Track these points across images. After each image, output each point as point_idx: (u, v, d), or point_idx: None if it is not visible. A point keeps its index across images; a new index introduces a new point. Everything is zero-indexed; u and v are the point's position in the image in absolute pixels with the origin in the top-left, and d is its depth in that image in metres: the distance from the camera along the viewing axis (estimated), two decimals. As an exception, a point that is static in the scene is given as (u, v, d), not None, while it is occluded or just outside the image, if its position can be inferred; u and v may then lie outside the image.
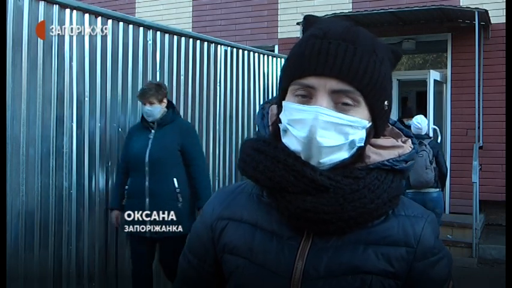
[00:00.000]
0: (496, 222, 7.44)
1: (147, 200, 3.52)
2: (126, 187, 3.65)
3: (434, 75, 7.67)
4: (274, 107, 1.01)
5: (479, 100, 7.12)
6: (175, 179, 3.58)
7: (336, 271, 0.91)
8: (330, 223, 0.90)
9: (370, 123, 0.92)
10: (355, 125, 0.89)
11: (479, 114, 7.13)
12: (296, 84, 0.90)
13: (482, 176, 6.86)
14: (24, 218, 3.24)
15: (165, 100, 3.73)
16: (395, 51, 0.98)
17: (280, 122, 0.93)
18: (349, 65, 0.87)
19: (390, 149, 0.96)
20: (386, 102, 0.93)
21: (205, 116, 5.14)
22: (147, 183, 3.54)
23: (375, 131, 0.94)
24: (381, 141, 0.97)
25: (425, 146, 5.41)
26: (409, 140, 1.00)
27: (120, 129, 4.07)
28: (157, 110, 3.64)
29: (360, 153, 0.92)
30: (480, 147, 7.02)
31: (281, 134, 0.94)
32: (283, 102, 0.93)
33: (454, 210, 7.50)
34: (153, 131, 3.66)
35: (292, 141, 0.91)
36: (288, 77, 0.92)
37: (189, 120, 4.89)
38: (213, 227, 1.03)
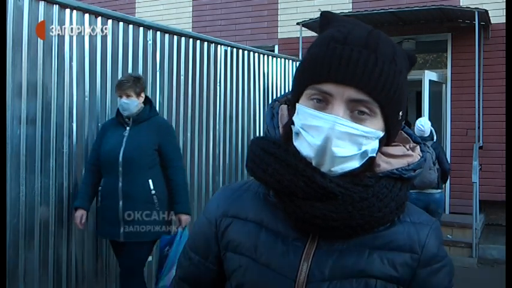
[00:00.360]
0: (496, 222, 7.44)
1: (121, 202, 3.31)
2: (100, 188, 3.46)
3: (429, 75, 7.68)
4: (284, 108, 1.00)
5: (479, 100, 7.13)
6: (150, 181, 3.36)
7: (341, 274, 0.91)
8: (337, 229, 0.90)
9: (384, 133, 0.91)
10: (369, 135, 0.88)
11: (479, 114, 7.13)
12: (313, 88, 0.89)
13: (482, 176, 6.86)
14: (24, 218, 3.24)
15: (142, 94, 3.52)
16: (411, 56, 0.97)
17: (293, 124, 0.93)
18: (370, 75, 0.85)
19: (400, 158, 0.96)
20: (401, 113, 0.93)
21: (205, 116, 5.14)
22: (120, 184, 3.33)
23: (387, 140, 0.94)
24: (392, 149, 0.96)
25: (428, 147, 5.51)
26: (418, 147, 1.00)
27: (120, 129, 4.06)
28: (134, 103, 3.44)
29: (370, 162, 0.92)
30: (480, 147, 7.02)
31: (293, 136, 0.93)
32: (298, 105, 0.92)
33: (454, 210, 7.51)
34: (128, 127, 3.44)
35: (304, 146, 0.90)
36: (305, 80, 0.91)
37: (189, 120, 4.89)
38: (217, 224, 1.02)
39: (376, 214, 0.90)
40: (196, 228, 1.09)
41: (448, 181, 7.55)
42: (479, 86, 7.13)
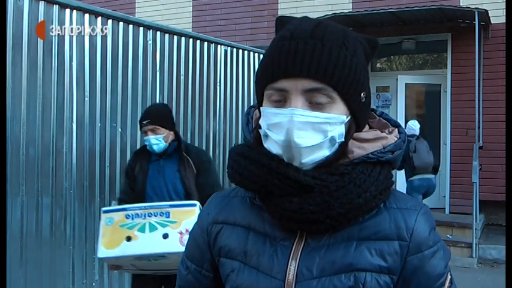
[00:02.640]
0: (496, 222, 7.44)
1: None
2: None
3: (405, 79, 8.00)
4: (257, 112, 1.02)
5: (479, 100, 7.12)
6: None
7: (330, 270, 0.91)
8: (319, 222, 0.90)
9: (349, 117, 0.92)
10: (332, 121, 0.89)
11: (479, 114, 7.13)
12: (270, 88, 0.91)
13: (482, 176, 6.86)
14: (26, 218, 3.24)
15: None
16: (371, 39, 0.97)
17: (260, 127, 0.94)
18: (318, 63, 0.87)
19: (373, 142, 0.95)
20: (363, 94, 0.92)
21: (205, 116, 5.15)
22: None
23: (356, 125, 0.94)
24: (364, 134, 0.96)
25: (421, 138, 6.40)
26: (396, 130, 0.99)
27: (120, 129, 4.07)
28: None
29: (342, 149, 0.92)
30: (480, 147, 7.02)
31: (262, 138, 0.94)
32: (261, 108, 0.94)
33: (454, 210, 7.50)
34: None
35: (273, 145, 0.91)
36: (261, 82, 0.93)
37: (189, 120, 4.89)
38: (208, 231, 1.04)
39: (356, 200, 0.90)
40: (190, 237, 1.11)
41: (448, 181, 7.57)
42: (479, 86, 7.12)
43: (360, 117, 0.94)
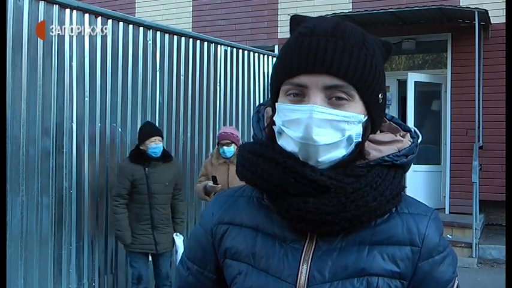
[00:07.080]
0: (496, 222, 7.44)
1: None
2: None
3: (414, 76, 7.90)
4: (269, 110, 1.00)
5: (479, 100, 7.12)
6: None
7: (342, 274, 0.89)
8: (333, 224, 0.88)
9: (366, 118, 0.90)
10: (351, 120, 0.87)
11: (479, 114, 7.12)
12: (288, 84, 0.89)
13: (482, 176, 6.85)
14: (26, 218, 3.24)
15: None
16: (386, 43, 0.96)
17: (275, 124, 0.92)
18: (340, 60, 0.85)
19: (389, 144, 0.94)
20: (380, 95, 0.91)
21: (205, 116, 5.14)
22: None
23: (371, 125, 0.93)
24: (380, 136, 0.95)
25: None
26: (408, 134, 0.98)
27: (120, 129, 4.07)
28: None
29: (359, 150, 0.91)
30: (480, 147, 7.02)
31: (276, 136, 0.92)
32: (277, 104, 0.91)
33: (454, 210, 7.50)
34: None
35: (288, 142, 0.89)
36: (279, 78, 0.91)
37: (189, 120, 4.89)
38: (213, 232, 1.01)
39: (372, 204, 0.88)
40: (192, 238, 1.07)
41: (448, 181, 7.57)
42: (479, 86, 7.12)
43: (376, 118, 0.93)
